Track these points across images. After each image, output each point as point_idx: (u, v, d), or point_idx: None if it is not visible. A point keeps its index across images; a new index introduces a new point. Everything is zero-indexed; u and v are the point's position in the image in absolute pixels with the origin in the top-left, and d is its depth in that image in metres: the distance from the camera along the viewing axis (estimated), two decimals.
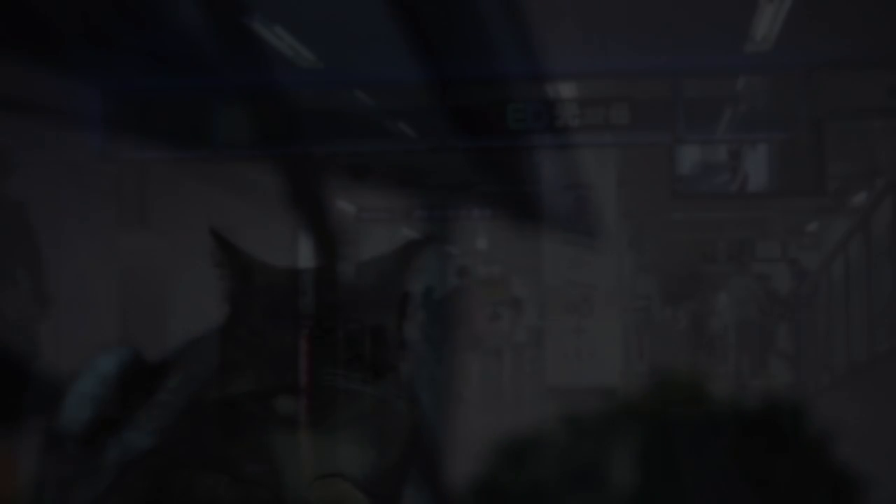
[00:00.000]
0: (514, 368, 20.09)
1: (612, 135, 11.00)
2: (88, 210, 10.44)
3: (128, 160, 11.01)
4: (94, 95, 10.73)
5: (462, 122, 10.75)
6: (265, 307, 2.08)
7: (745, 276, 17.74)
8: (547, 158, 15.14)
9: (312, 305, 2.02)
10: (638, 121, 10.48)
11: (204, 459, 1.93)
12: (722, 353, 23.91)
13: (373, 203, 22.91)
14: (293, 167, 2.34)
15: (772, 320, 18.85)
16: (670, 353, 22.48)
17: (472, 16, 8.98)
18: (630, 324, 21.72)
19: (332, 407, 1.98)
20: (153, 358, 2.38)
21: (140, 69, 10.24)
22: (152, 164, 11.90)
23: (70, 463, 2.17)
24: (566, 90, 11.78)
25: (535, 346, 23.22)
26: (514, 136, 10.66)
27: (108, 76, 10.45)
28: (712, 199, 18.41)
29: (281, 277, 2.19)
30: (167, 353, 2.28)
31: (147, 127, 11.65)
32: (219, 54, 10.00)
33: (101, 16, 8.81)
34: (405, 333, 2.14)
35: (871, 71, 11.16)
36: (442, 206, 21.46)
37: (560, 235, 14.93)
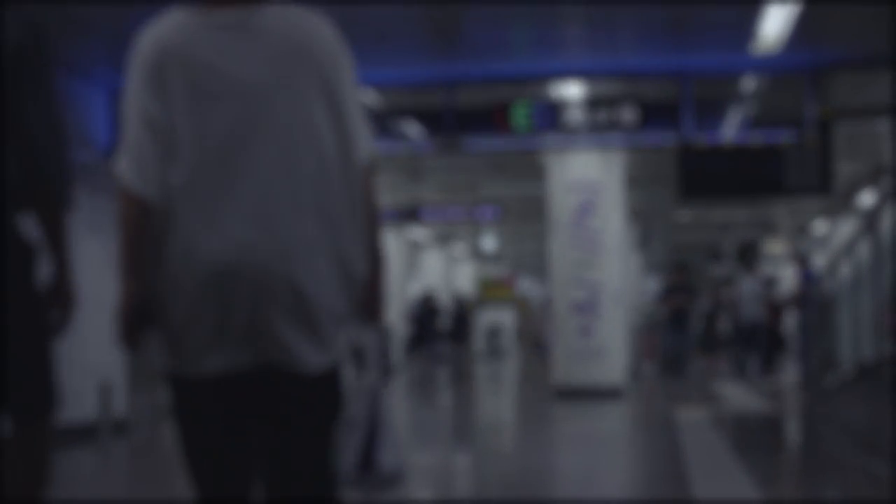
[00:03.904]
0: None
1: (619, 135, 10.98)
2: (96, 211, 10.46)
3: None
4: (102, 95, 10.76)
5: (469, 122, 10.76)
6: None
7: (751, 276, 17.71)
8: (554, 158, 15.14)
9: None
10: (645, 121, 10.48)
11: None
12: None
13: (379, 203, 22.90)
14: None
15: (778, 321, 18.83)
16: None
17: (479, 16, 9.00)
18: (637, 324, 21.74)
19: None
20: None
21: None
22: None
23: None
24: (573, 91, 11.79)
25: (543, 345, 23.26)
26: (520, 136, 10.66)
27: (116, 76, 10.47)
28: (719, 200, 18.42)
29: None
30: None
31: None
32: None
33: (107, 14, 8.83)
34: None
35: (877, 71, 11.16)
36: (448, 206, 21.49)
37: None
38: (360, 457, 2.70)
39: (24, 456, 2.93)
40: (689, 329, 18.36)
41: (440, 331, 27.05)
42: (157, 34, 2.62)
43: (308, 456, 2.62)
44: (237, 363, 2.54)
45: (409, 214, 20.89)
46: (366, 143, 2.66)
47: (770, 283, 20.02)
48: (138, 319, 2.64)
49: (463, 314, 23.63)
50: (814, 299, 12.69)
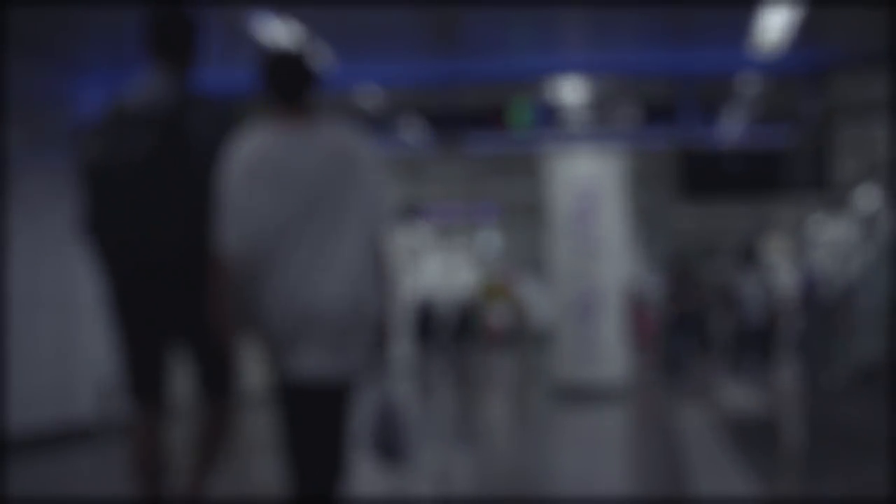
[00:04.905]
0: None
1: (619, 135, 10.98)
2: None
3: None
4: (103, 95, 10.75)
5: (469, 122, 10.77)
6: None
7: (753, 277, 17.70)
8: (554, 158, 15.14)
9: None
10: (645, 121, 10.49)
11: None
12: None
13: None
14: None
15: (779, 319, 18.81)
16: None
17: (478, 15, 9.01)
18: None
19: None
20: None
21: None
22: None
23: None
24: (573, 91, 11.79)
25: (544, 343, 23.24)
26: (520, 136, 10.67)
27: (117, 76, 10.46)
28: (719, 198, 18.39)
29: None
30: None
31: None
32: (231, 52, 10.02)
33: (109, 17, 8.83)
34: None
35: (876, 71, 11.17)
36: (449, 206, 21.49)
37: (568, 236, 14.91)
38: (382, 445, 4.04)
39: (216, 423, 4.29)
40: (693, 331, 17.99)
41: (442, 332, 27.04)
42: (250, 144, 3.94)
43: (326, 444, 3.92)
44: (314, 375, 3.86)
45: (409, 214, 20.88)
46: (386, 222, 3.99)
47: (770, 282, 19.97)
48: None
49: (465, 315, 23.59)
50: (814, 302, 12.71)
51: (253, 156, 3.92)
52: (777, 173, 12.31)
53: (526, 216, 24.88)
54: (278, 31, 8.98)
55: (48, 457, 9.03)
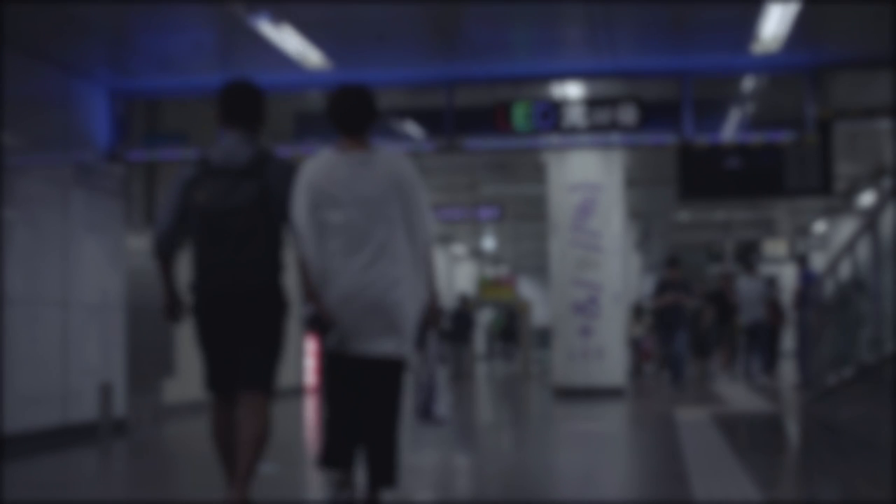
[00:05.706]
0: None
1: (619, 135, 10.96)
2: (96, 211, 10.47)
3: (136, 161, 10.99)
4: (102, 95, 10.75)
5: (469, 122, 10.76)
6: None
7: (752, 277, 17.70)
8: (554, 158, 15.15)
9: None
10: (645, 121, 10.48)
11: None
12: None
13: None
14: None
15: (779, 321, 18.80)
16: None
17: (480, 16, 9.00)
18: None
19: None
20: None
21: (149, 69, 10.25)
22: (160, 165, 11.87)
23: None
24: (573, 91, 11.79)
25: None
26: (520, 136, 10.66)
27: (117, 76, 10.46)
28: (719, 200, 18.34)
29: None
30: None
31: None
32: (227, 55, 10.02)
33: (111, 16, 8.83)
34: None
35: (877, 71, 11.16)
36: (449, 206, 21.48)
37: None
38: (423, 407, 5.08)
39: (257, 416, 5.02)
40: (685, 329, 17.51)
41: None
42: (315, 166, 4.94)
43: (385, 406, 5.02)
44: (362, 350, 4.95)
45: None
46: (430, 229, 5.02)
47: (771, 283, 19.94)
48: (318, 321, 4.93)
49: (465, 314, 23.52)
50: (813, 299, 12.72)
51: (323, 179, 4.87)
52: (777, 174, 12.31)
53: (526, 216, 24.89)
54: (279, 33, 8.98)
55: (46, 457, 9.03)
